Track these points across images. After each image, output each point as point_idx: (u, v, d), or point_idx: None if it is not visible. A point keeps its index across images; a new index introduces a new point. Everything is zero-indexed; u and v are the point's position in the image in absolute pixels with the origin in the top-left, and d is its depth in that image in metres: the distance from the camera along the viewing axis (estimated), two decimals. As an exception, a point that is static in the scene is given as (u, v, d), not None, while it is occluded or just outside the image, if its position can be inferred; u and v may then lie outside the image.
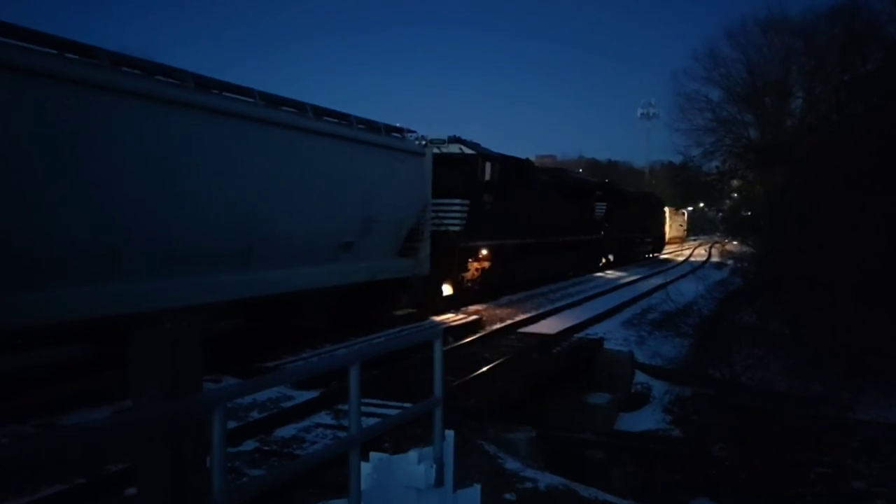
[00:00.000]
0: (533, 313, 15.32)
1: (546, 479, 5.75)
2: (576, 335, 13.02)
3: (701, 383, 11.45)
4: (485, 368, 9.22)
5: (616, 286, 23.29)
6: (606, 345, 12.41)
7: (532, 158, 25.58)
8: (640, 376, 12.00)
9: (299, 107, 10.59)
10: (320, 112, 10.96)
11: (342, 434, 5.96)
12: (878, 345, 10.33)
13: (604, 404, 10.33)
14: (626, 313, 17.36)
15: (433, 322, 13.29)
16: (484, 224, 17.11)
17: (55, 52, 7.04)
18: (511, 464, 5.95)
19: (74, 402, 6.98)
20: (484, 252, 17.47)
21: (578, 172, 41.21)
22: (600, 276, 27.52)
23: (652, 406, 11.15)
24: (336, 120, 11.32)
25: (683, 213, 66.91)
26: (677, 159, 34.59)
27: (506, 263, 18.62)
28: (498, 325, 13.37)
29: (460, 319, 13.69)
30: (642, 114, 77.19)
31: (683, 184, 35.61)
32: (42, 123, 6.62)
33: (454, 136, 17.05)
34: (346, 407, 6.33)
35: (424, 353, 5.61)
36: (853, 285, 10.49)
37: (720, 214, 42.06)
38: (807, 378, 10.73)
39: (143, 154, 7.68)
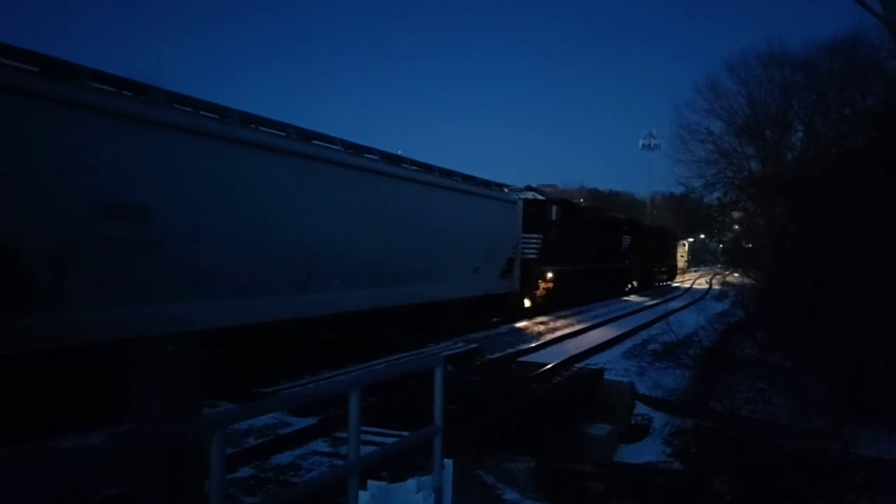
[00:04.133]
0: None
1: (545, 511, 5.68)
2: (582, 363, 13.73)
3: (702, 415, 11.35)
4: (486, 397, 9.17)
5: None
6: (607, 375, 12.35)
7: (534, 186, 27.20)
8: (640, 408, 11.91)
9: (449, 173, 15.76)
10: (458, 175, 16.20)
11: (339, 462, 5.91)
12: (880, 379, 10.26)
13: (604, 436, 10.23)
14: (627, 343, 17.35)
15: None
16: (550, 253, 22.70)
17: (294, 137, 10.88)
18: (510, 494, 5.89)
19: (67, 424, 6.91)
20: (550, 275, 23.08)
21: (608, 209, 45.01)
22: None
23: (652, 438, 11.04)
24: (464, 180, 16.52)
25: (684, 244, 66.99)
26: (678, 190, 34.84)
27: (563, 284, 23.99)
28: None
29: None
30: (644, 144, 77.37)
31: (685, 215, 35.90)
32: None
33: (528, 185, 24.93)
34: (343, 434, 6.29)
35: (425, 381, 5.57)
36: (854, 319, 10.45)
37: (721, 246, 42.49)
38: (808, 412, 10.63)
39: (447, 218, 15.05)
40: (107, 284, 7.54)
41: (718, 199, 25.41)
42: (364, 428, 4.25)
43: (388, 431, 6.69)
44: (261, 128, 10.08)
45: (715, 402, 11.72)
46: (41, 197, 6.98)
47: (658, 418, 11.56)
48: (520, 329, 18.34)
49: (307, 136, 11.12)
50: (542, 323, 19.80)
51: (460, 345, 13.70)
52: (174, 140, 8.40)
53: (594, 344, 16.00)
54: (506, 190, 19.69)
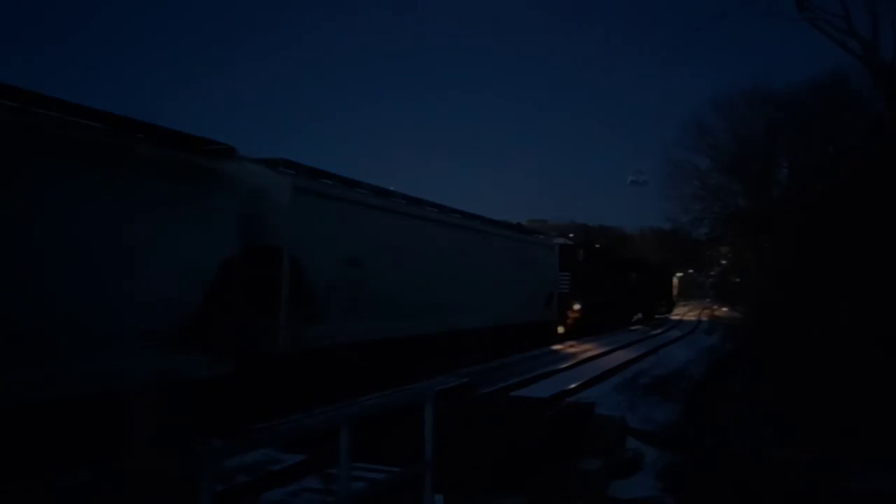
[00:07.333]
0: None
1: (536, 548, 5.65)
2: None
3: (693, 449, 11.30)
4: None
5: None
6: (598, 410, 12.29)
7: (524, 222, 28.30)
8: (631, 442, 11.85)
9: (510, 225, 21.87)
10: (515, 226, 22.75)
11: (330, 499, 5.87)
12: (869, 413, 10.28)
13: (596, 470, 10.16)
14: (618, 378, 17.35)
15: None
16: (578, 288, 27.95)
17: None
18: (501, 531, 5.85)
19: (52, 461, 6.82)
20: (577, 306, 28.34)
21: (618, 249, 49.72)
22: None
23: (644, 472, 10.97)
24: (519, 230, 22.57)
25: (675, 279, 67.26)
26: (667, 225, 35.30)
27: (587, 315, 28.92)
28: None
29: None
30: (632, 180, 77.61)
31: (673, 249, 36.46)
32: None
33: (557, 235, 30.28)
34: (334, 470, 6.24)
35: (417, 416, 5.57)
36: (845, 351, 10.51)
37: (709, 280, 43.27)
38: (798, 445, 10.61)
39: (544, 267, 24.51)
40: (346, 307, 12.46)
41: (706, 233, 25.82)
42: (355, 463, 4.25)
43: (379, 467, 6.65)
44: (399, 200, 14.94)
45: (706, 436, 11.68)
46: (322, 255, 11.85)
47: (650, 452, 11.50)
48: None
49: (423, 203, 16.12)
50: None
51: (453, 379, 13.67)
52: (372, 216, 13.52)
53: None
54: (541, 237, 25.52)
